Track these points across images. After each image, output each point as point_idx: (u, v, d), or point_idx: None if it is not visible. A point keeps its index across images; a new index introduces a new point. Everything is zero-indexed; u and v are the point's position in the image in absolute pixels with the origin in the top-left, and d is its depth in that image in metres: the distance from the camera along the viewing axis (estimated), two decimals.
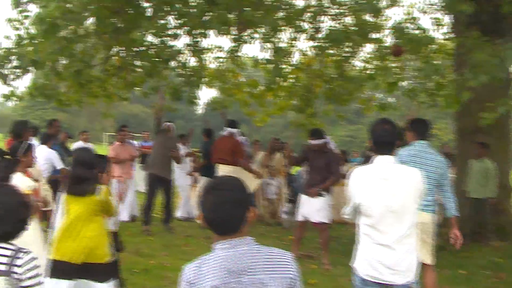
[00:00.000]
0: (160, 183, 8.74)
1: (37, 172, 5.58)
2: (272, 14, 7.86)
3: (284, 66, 8.70)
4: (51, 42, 6.50)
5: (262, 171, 9.88)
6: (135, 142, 12.70)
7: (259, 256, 2.07)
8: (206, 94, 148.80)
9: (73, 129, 27.66)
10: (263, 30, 8.23)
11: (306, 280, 5.58)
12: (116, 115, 13.34)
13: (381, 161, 3.45)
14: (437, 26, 10.20)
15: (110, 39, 8.02)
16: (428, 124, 5.11)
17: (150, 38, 8.07)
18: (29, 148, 4.83)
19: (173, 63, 8.82)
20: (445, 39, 10.32)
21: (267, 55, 8.25)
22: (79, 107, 9.89)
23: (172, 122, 9.18)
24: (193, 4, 7.73)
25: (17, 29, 7.33)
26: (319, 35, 8.82)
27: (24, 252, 2.53)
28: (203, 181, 9.08)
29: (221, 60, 10.37)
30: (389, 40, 8.83)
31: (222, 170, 8.13)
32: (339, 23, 8.82)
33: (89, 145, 9.32)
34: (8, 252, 2.50)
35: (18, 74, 7.28)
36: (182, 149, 10.22)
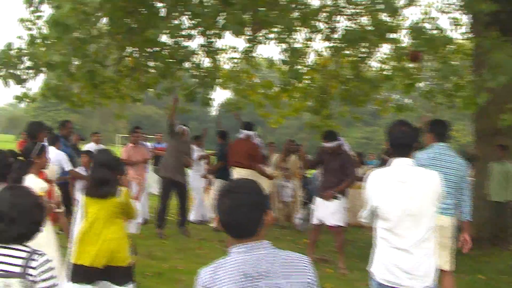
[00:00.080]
0: (174, 187, 8.70)
1: (51, 174, 5.55)
2: (287, 14, 7.78)
3: (299, 67, 8.60)
4: (64, 43, 6.46)
5: (277, 173, 9.81)
6: (148, 144, 12.69)
7: (276, 260, 2.02)
8: (220, 95, 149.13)
9: (85, 131, 27.76)
10: (278, 30, 8.15)
11: (322, 285, 5.46)
12: (129, 117, 13.33)
13: (399, 163, 3.40)
14: (455, 26, 10.08)
15: (124, 39, 8.00)
16: (448, 126, 5.00)
17: (164, 38, 8.03)
18: (43, 149, 4.80)
19: (187, 64, 8.77)
20: (463, 39, 10.22)
21: (282, 56, 8.16)
22: (92, 108, 9.88)
23: (186, 125, 9.13)
24: (207, 4, 7.67)
25: (30, 29, 7.32)
26: (335, 35, 8.74)
27: (39, 254, 2.51)
28: (218, 183, 9.04)
29: (235, 61, 10.30)
30: (406, 41, 8.73)
31: (238, 173, 8.08)
32: (355, 23, 8.72)
33: (101, 147, 9.30)
34: (23, 254, 2.48)
35: (31, 75, 7.26)
36: (197, 151, 10.18)
